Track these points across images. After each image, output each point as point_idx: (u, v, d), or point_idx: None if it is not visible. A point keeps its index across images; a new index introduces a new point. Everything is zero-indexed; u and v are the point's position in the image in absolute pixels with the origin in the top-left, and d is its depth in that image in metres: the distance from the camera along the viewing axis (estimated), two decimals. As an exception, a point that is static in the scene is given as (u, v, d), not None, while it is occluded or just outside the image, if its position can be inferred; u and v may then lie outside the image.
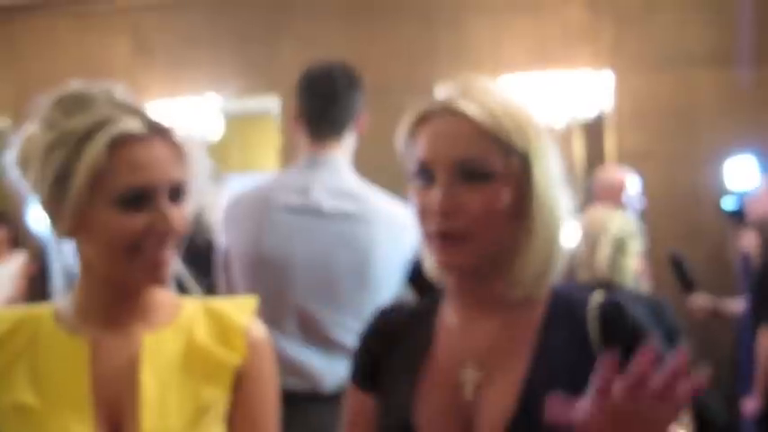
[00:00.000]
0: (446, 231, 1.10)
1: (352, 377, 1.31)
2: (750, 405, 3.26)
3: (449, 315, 1.22)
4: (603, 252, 2.50)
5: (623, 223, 2.57)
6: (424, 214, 1.13)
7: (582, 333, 1.12)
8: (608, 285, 2.46)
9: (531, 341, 1.14)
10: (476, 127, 1.10)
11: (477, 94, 1.13)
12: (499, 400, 1.11)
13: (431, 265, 1.19)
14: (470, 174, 1.10)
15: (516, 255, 1.13)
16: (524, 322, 1.16)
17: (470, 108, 1.10)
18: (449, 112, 1.12)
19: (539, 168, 1.12)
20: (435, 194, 1.10)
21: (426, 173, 1.13)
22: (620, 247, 2.51)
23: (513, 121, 1.11)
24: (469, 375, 1.15)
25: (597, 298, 1.15)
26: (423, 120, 1.15)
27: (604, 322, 1.12)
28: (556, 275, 1.17)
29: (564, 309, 1.16)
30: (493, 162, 1.10)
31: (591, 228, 2.54)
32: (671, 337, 2.46)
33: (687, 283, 3.63)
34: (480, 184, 1.10)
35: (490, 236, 1.11)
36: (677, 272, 3.63)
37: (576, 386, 1.05)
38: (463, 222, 1.09)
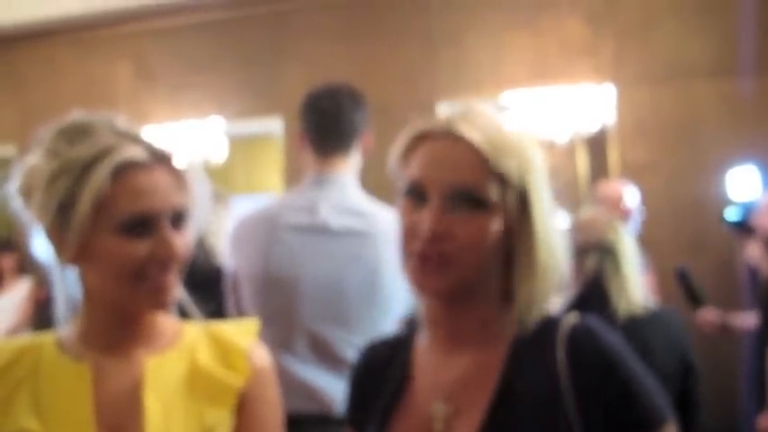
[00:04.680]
0: (430, 254, 1.07)
1: (345, 419, 1.29)
2: (764, 421, 3.22)
3: (423, 347, 1.19)
4: (614, 283, 2.42)
5: (617, 235, 2.49)
6: (410, 233, 1.10)
7: (551, 362, 1.07)
8: (636, 317, 2.38)
9: (499, 372, 1.10)
10: (476, 154, 1.07)
11: (480, 120, 1.11)
12: None
13: (409, 290, 1.15)
14: (464, 200, 1.07)
15: (512, 287, 1.11)
16: (494, 353, 1.12)
17: (473, 134, 1.07)
18: (450, 134, 1.09)
19: (537, 205, 1.10)
20: (426, 216, 1.07)
21: (419, 192, 1.10)
22: (624, 266, 2.44)
23: (514, 154, 1.08)
24: (439, 410, 1.12)
25: (569, 321, 1.11)
26: (421, 139, 1.13)
27: (572, 348, 1.07)
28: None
29: (535, 335, 1.11)
30: (489, 192, 1.07)
31: (583, 246, 2.49)
32: (686, 347, 2.43)
33: (694, 298, 3.61)
34: (473, 213, 1.07)
35: (473, 265, 1.08)
36: (684, 286, 3.62)
37: (542, 415, 1.04)
38: (450, 248, 1.06)
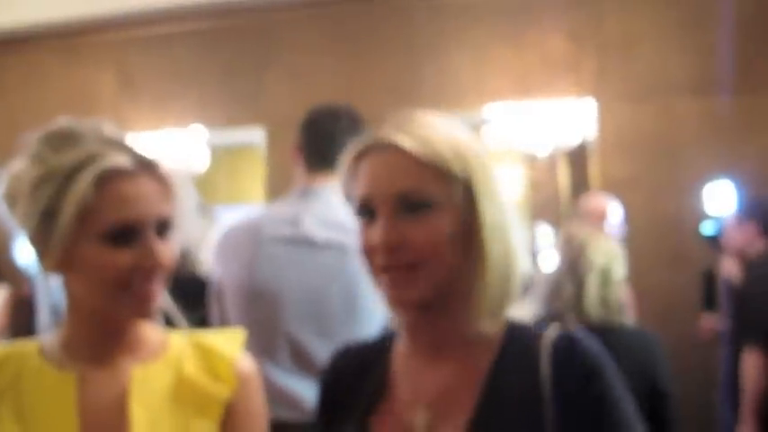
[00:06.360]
0: (393, 265, 1.08)
1: (315, 425, 1.28)
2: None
3: (402, 354, 1.19)
4: (591, 291, 2.39)
5: (607, 249, 2.46)
6: (369, 251, 1.12)
7: (534, 370, 1.08)
8: (602, 329, 2.32)
9: (482, 380, 1.10)
10: (411, 158, 1.08)
11: (413, 127, 1.11)
12: None
13: (383, 304, 1.14)
14: (411, 205, 1.07)
15: (472, 286, 1.10)
16: (477, 360, 1.12)
17: (404, 140, 1.08)
18: (383, 146, 1.11)
19: (484, 196, 1.10)
20: (378, 230, 1.09)
21: (368, 209, 1.11)
22: (605, 278, 2.41)
23: (452, 149, 1.09)
24: (421, 419, 1.12)
25: (551, 332, 1.11)
26: (360, 157, 1.14)
27: (556, 359, 1.08)
28: (512, 305, 1.14)
29: (518, 345, 1.12)
30: (432, 191, 1.08)
31: (571, 256, 2.46)
32: (657, 371, 2.41)
33: (711, 302, 3.68)
34: (422, 215, 1.07)
35: (438, 265, 1.08)
36: (707, 288, 3.67)
37: (524, 423, 1.04)
38: (411, 255, 1.07)
